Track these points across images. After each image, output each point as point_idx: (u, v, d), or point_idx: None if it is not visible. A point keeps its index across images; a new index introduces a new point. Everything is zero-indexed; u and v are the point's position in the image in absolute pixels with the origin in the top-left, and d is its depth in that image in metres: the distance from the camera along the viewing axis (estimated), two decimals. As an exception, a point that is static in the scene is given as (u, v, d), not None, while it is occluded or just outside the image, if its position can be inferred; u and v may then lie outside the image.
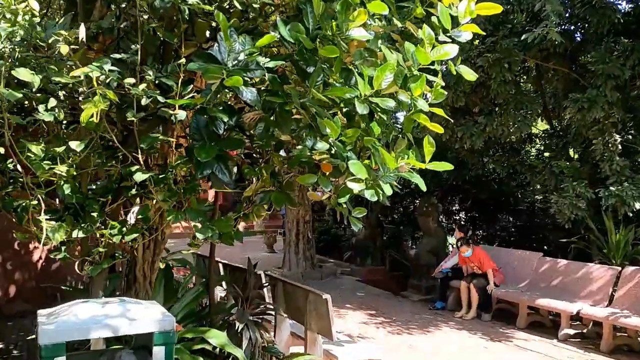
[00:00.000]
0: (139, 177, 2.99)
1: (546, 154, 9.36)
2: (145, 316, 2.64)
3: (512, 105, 7.84)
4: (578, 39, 8.32)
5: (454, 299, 8.02)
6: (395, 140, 3.39)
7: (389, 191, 3.07)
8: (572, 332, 6.53)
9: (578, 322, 6.82)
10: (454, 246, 8.48)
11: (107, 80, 2.82)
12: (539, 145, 10.66)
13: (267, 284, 5.00)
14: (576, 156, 8.60)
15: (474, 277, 7.61)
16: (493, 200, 11.92)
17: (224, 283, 5.96)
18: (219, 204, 4.68)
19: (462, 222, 12.71)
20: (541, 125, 10.59)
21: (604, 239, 7.54)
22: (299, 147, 3.48)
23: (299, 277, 10.18)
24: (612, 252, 7.21)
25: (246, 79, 2.65)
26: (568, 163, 7.77)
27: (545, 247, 10.35)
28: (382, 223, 11.68)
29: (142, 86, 2.81)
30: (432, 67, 3.05)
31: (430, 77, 3.03)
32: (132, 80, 2.85)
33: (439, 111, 3.09)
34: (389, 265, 11.14)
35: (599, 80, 6.96)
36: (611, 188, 6.91)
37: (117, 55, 2.95)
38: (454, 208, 13.54)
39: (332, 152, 2.97)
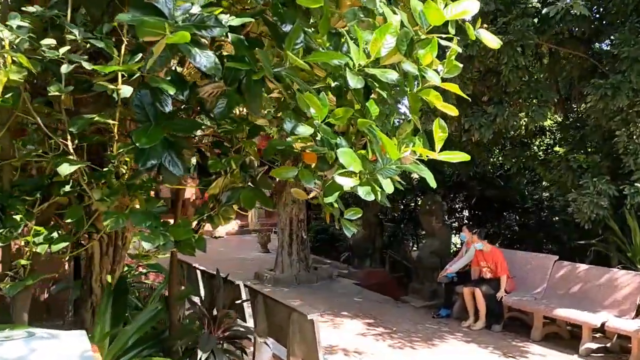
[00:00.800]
0: (65, 169, 2.28)
1: (557, 149, 8.64)
2: (56, 356, 1.93)
3: (525, 94, 7.12)
4: (596, 22, 7.60)
5: (460, 306, 7.31)
6: (398, 124, 2.70)
7: (389, 188, 2.37)
8: (594, 345, 5.80)
9: (600, 334, 6.10)
10: (464, 244, 7.77)
11: (17, 41, 2.12)
12: (548, 140, 9.94)
13: (247, 299, 4.29)
14: (593, 150, 7.88)
15: (482, 283, 6.91)
16: (499, 197, 11.21)
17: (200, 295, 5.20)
18: (198, 202, 3.95)
19: (469, 222, 12.04)
20: (550, 119, 9.87)
21: (627, 240, 6.83)
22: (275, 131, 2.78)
23: (292, 280, 9.49)
24: (638, 256, 6.50)
25: (201, 39, 1.97)
26: (587, 157, 7.05)
27: (551, 247, 9.66)
28: (382, 222, 10.96)
29: (64, 49, 2.11)
30: (444, 31, 2.37)
31: (444, 42, 2.33)
32: (51, 41, 2.15)
33: (454, 87, 2.41)
34: (389, 267, 10.43)
35: (623, 65, 6.25)
36: (637, 184, 6.21)
37: (32, 9, 2.24)
38: (456, 206, 12.84)
39: (318, 138, 2.26)
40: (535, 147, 9.19)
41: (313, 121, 2.19)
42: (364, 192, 2.26)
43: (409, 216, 12.78)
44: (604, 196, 6.41)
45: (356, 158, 2.20)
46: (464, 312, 7.18)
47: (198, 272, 5.53)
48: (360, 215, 2.52)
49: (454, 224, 11.74)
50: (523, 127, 9.05)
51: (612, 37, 6.85)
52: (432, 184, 2.48)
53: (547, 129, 9.68)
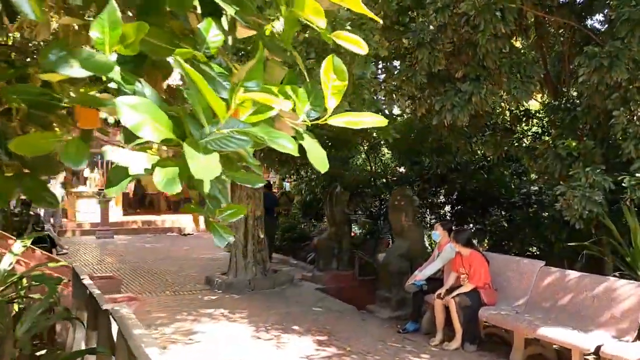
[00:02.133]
0: None
1: (546, 138, 7.54)
2: None
3: (506, 68, 6.01)
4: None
5: (430, 319, 6.22)
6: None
7: (215, 171, 1.17)
8: (587, 373, 4.73)
9: (594, 356, 5.01)
10: (437, 245, 6.68)
11: None
12: (536, 128, 8.84)
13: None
14: (585, 135, 6.77)
15: (457, 292, 5.81)
16: (482, 191, 10.12)
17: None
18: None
19: (447, 217, 10.94)
20: (537, 100, 8.76)
21: (626, 242, 5.75)
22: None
23: (245, 286, 8.36)
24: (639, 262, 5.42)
25: None
26: (578, 143, 5.94)
27: (538, 248, 8.59)
28: (349, 219, 9.82)
29: None
30: None
31: None
32: None
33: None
34: (358, 270, 9.31)
35: (623, 30, 5.15)
36: (638, 175, 5.13)
37: None
38: (439, 201, 11.74)
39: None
40: (519, 134, 8.07)
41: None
42: (161, 179, 1.14)
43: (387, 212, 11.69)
44: (598, 189, 5.32)
45: (161, 115, 1.11)
46: (434, 326, 6.09)
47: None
48: (239, 217, 1.44)
49: (433, 221, 10.66)
50: (507, 111, 7.96)
51: (608, 2, 5.74)
52: (321, 167, 1.39)
53: (534, 114, 8.57)
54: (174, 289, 8.50)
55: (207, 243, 15.01)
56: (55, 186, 17.60)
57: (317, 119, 1.53)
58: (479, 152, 9.48)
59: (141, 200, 20.11)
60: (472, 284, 5.72)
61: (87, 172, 17.49)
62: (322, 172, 1.45)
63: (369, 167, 11.89)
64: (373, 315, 7.08)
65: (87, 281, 4.23)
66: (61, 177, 17.84)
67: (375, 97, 6.45)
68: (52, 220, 14.65)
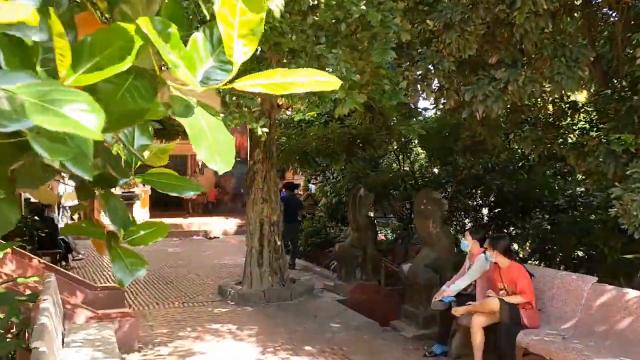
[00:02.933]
0: None
1: (594, 134, 6.62)
2: None
3: (549, 51, 5.16)
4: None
5: (461, 341, 5.42)
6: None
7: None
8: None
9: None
10: (467, 255, 5.87)
11: None
12: (583, 123, 7.89)
13: None
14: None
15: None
16: (522, 193, 9.21)
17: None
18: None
19: (479, 223, 10.07)
20: (584, 88, 7.81)
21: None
22: None
23: (260, 297, 7.70)
24: None
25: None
26: (635, 137, 5.05)
27: (585, 259, 7.64)
28: (374, 223, 9.05)
29: None
30: None
31: None
32: None
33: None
34: (384, 279, 8.53)
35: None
36: None
37: None
38: (474, 204, 10.86)
39: None
40: (564, 129, 7.16)
41: None
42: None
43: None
44: (663, 192, 4.43)
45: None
46: (465, 349, 5.29)
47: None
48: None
49: (469, 225, 9.79)
50: (549, 103, 7.06)
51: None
52: (221, 161, 0.72)
53: (581, 106, 7.63)
54: (185, 299, 7.92)
55: (231, 247, 14.47)
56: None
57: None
58: (518, 149, 8.59)
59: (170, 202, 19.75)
60: (523, 298, 4.88)
61: (112, 175, 17.23)
62: (221, 170, 0.76)
63: (398, 168, 11.10)
64: (397, 334, 6.31)
65: (46, 303, 3.62)
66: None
67: (397, 88, 5.68)
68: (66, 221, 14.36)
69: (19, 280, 4.43)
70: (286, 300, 7.77)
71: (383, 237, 12.24)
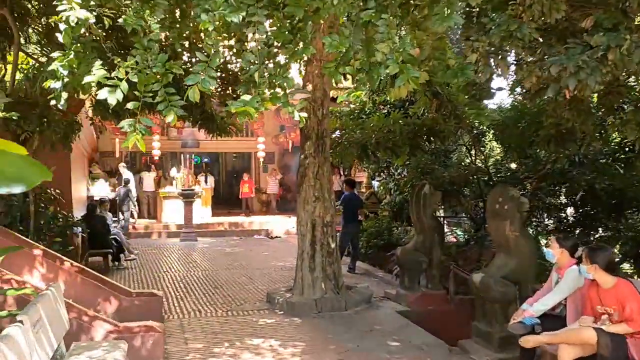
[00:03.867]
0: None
1: None
2: None
3: (663, 7, 4.04)
4: None
5: (547, 373, 4.38)
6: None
7: None
8: None
9: None
10: (554, 267, 4.79)
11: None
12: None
13: None
14: None
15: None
16: (616, 190, 7.91)
17: None
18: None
19: (568, 222, 8.85)
20: None
21: None
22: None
23: (312, 307, 6.92)
24: None
25: None
26: None
27: None
28: (441, 224, 8.01)
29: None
30: None
31: None
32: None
33: None
34: (453, 288, 7.50)
35: None
36: None
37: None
38: (558, 202, 9.58)
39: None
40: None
41: None
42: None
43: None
44: None
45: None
46: (552, 384, 4.25)
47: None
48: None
49: (549, 228, 8.60)
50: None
51: None
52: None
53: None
54: (230, 307, 7.25)
55: (291, 248, 13.76)
56: (144, 184, 17.35)
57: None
58: (614, 137, 7.34)
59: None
60: (631, 326, 3.81)
61: (173, 172, 17.03)
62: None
63: (470, 162, 9.98)
64: (467, 356, 5.33)
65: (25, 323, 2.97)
66: (151, 176, 17.55)
67: (464, 63, 4.70)
68: (123, 220, 14.23)
69: (9, 292, 3.85)
70: (340, 311, 6.93)
71: (454, 239, 11.14)
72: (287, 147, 19.62)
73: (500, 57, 4.68)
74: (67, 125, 6.89)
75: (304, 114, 4.50)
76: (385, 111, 9.18)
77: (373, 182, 13.88)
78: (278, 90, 4.26)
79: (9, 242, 5.93)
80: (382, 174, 12.19)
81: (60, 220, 7.53)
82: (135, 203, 15.76)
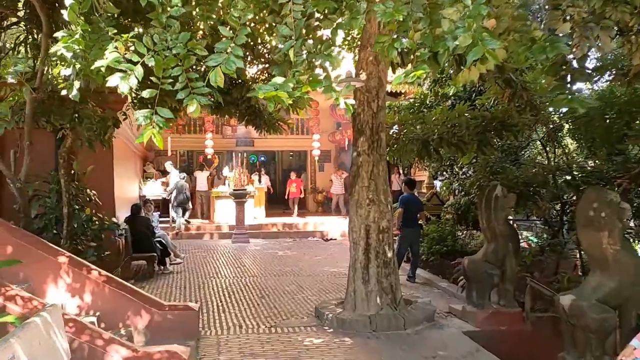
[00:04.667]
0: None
1: None
2: None
3: None
4: None
5: None
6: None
7: None
8: None
9: None
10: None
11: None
12: None
13: None
14: None
15: None
16: None
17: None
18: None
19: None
20: None
21: None
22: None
23: (365, 324, 6.10)
24: None
25: None
26: None
27: None
28: (515, 232, 6.97)
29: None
30: None
31: None
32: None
33: None
34: (529, 305, 6.46)
35: None
36: None
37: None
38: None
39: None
40: None
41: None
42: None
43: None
44: None
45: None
46: None
47: None
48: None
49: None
50: None
51: None
52: None
53: None
54: (274, 321, 6.53)
55: (346, 252, 12.98)
56: (197, 183, 17.00)
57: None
58: None
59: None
60: None
61: (226, 171, 16.58)
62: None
63: (546, 160, 8.84)
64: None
65: None
66: (204, 175, 17.17)
67: (553, 35, 3.73)
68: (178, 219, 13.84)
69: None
70: (398, 330, 6.07)
71: (526, 245, 10.01)
72: (344, 145, 18.81)
73: (601, 25, 3.69)
74: (101, 121, 6.36)
75: (352, 101, 3.69)
76: (449, 104, 8.22)
77: (435, 181, 12.86)
78: (319, 72, 3.47)
79: (29, 248, 5.44)
80: (444, 173, 11.18)
81: (97, 223, 7.03)
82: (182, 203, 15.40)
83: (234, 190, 14.37)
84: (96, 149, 6.98)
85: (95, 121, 6.31)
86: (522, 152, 9.52)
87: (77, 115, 6.24)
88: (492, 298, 6.56)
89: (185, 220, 15.26)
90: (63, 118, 6.32)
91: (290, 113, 8.24)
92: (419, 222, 9.23)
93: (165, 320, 5.58)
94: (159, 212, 14.26)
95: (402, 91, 16.92)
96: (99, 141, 6.90)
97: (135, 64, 3.71)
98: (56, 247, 5.74)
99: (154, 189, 15.07)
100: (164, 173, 16.65)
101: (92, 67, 3.79)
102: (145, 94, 3.71)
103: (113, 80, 3.64)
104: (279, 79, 3.22)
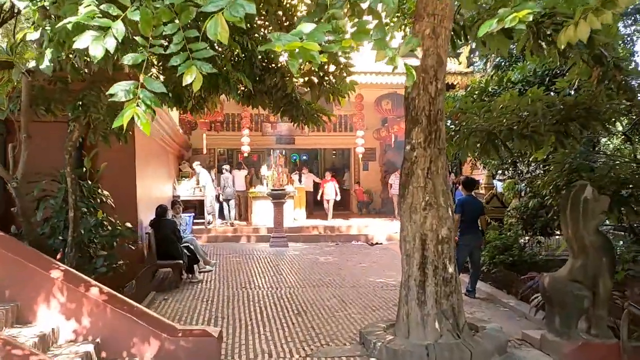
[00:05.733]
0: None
1: None
2: None
3: None
4: None
5: None
6: None
7: None
8: None
9: None
10: None
11: None
12: None
13: None
14: None
15: None
16: None
17: None
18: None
19: None
20: None
21: None
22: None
23: (421, 356, 4.95)
24: None
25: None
26: None
27: None
28: (610, 242, 5.62)
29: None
30: None
31: None
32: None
33: None
34: (626, 335, 5.17)
35: None
36: None
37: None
38: None
39: None
40: None
41: None
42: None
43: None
44: None
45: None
46: None
47: None
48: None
49: None
50: None
51: None
52: None
53: None
54: (310, 348, 5.46)
55: (395, 259, 11.81)
56: (235, 183, 16.15)
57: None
58: None
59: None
60: None
61: (264, 170, 15.65)
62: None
63: (631, 154, 7.47)
64: None
65: None
66: (242, 174, 16.30)
67: None
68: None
69: None
70: (463, 365, 4.91)
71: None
72: (390, 141, 17.59)
73: None
74: (108, 110, 5.43)
75: (415, 61, 2.58)
76: (519, 88, 6.98)
77: (495, 181, 11.47)
78: (367, 19, 2.38)
79: (19, 261, 4.55)
80: (505, 172, 9.87)
81: (108, 228, 6.13)
82: (213, 204, 14.61)
83: (272, 190, 13.40)
84: (116, 144, 6.10)
85: (102, 109, 5.37)
86: (602, 145, 8.15)
87: (80, 103, 5.34)
88: (580, 325, 5.29)
89: (228, 220, 14.78)
90: (65, 106, 5.43)
91: (332, 103, 7.16)
92: (480, 227, 7.99)
93: (179, 348, 4.60)
94: (193, 214, 13.46)
95: (454, 82, 15.64)
96: (115, 135, 6.00)
97: (115, 19, 2.72)
98: (51, 259, 4.84)
99: (187, 189, 14.27)
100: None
101: (59, 25, 2.82)
102: (128, 59, 2.71)
103: (82, 41, 2.65)
104: (306, 26, 2.14)
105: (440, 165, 5.43)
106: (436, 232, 5.32)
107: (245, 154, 15.82)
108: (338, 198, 16.65)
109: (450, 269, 5.35)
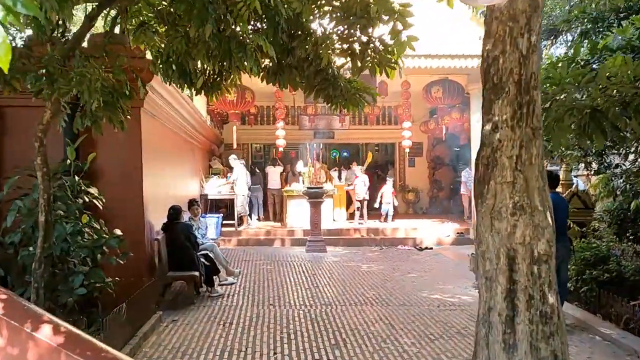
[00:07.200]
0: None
1: None
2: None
3: None
4: None
5: None
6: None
7: None
8: None
9: None
10: None
11: None
12: None
13: None
14: None
15: None
16: None
17: None
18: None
19: None
20: None
21: None
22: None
23: None
24: None
25: None
26: None
27: None
28: None
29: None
30: None
31: None
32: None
33: None
34: None
35: None
36: None
37: None
38: None
39: None
40: None
41: None
42: None
43: None
44: None
45: None
46: None
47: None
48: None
49: None
50: None
51: None
52: None
53: None
54: (353, 404, 4.00)
55: (448, 266, 10.22)
56: (269, 180, 14.83)
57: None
58: None
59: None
60: None
61: (300, 166, 14.24)
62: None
63: None
64: None
65: None
66: (277, 171, 14.95)
67: None
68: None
69: None
70: None
71: None
72: (440, 134, 15.90)
73: None
74: (108, 90, 4.09)
75: None
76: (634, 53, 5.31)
77: (574, 177, 9.65)
78: None
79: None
80: (589, 165, 8.11)
81: (91, 236, 4.77)
82: (244, 203, 13.27)
83: (308, 188, 11.96)
84: (114, 133, 4.79)
85: (75, 82, 4.01)
86: None
87: (52, 77, 3.99)
88: None
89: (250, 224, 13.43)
90: (33, 83, 4.11)
91: (377, 77, 5.67)
92: (567, 235, 6.33)
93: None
94: (222, 215, 12.15)
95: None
96: (107, 119, 4.67)
97: None
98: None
99: (215, 187, 12.96)
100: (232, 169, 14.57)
101: None
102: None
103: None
104: None
105: (535, 153, 3.82)
106: (530, 246, 3.71)
107: (281, 149, 14.38)
108: (366, 198, 14.68)
109: (551, 299, 3.74)
